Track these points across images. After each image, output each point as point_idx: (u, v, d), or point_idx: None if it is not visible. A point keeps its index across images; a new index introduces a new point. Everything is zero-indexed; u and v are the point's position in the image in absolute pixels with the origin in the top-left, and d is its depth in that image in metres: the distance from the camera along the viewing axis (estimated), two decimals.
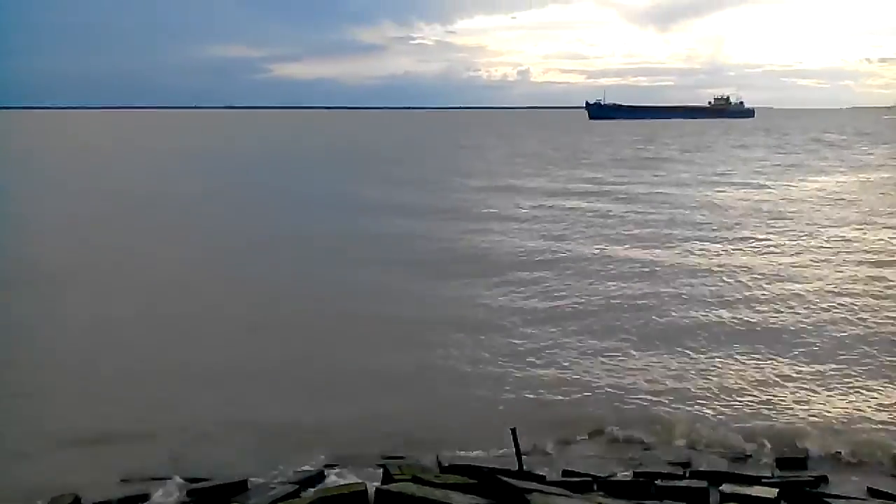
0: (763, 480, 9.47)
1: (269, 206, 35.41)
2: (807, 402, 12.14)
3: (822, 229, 27.60)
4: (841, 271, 20.76)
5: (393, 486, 8.65)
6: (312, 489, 9.33)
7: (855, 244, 24.61)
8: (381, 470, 9.52)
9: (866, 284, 19.27)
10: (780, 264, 21.85)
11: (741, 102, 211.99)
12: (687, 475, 9.75)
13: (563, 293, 18.97)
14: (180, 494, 9.48)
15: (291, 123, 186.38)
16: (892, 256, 22.64)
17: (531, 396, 12.50)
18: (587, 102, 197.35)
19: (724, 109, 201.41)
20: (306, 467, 10.09)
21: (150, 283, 20.38)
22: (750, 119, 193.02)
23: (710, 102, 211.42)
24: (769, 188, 41.60)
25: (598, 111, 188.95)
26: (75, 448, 10.66)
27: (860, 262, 21.84)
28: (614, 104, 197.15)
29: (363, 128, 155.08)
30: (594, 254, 23.68)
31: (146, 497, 9.43)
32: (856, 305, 17.43)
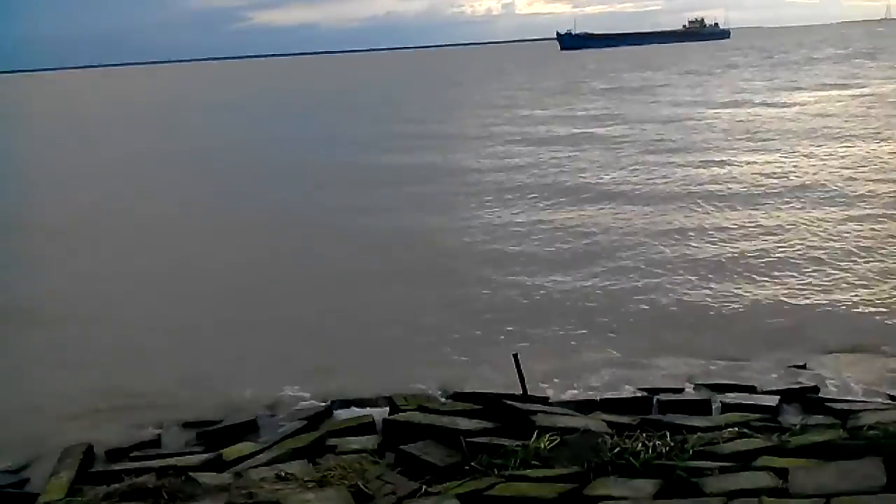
0: (763, 389, 9.66)
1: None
2: (807, 306, 12.30)
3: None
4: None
5: (400, 416, 8.80)
6: (321, 425, 9.47)
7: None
8: (388, 403, 9.71)
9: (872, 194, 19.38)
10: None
11: (716, 24, 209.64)
12: (688, 388, 9.93)
13: (567, 222, 19.02)
14: (190, 437, 9.64)
15: (273, 73, 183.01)
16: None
17: (530, 326, 12.56)
18: (557, 33, 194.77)
19: (698, 32, 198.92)
20: (313, 405, 10.22)
21: (146, 235, 20.40)
22: (727, 40, 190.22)
23: (684, 26, 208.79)
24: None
25: (570, 41, 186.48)
26: (84, 401, 10.71)
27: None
28: (585, 33, 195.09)
29: (346, 74, 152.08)
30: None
31: (157, 442, 9.57)
32: (852, 212, 17.59)
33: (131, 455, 9.12)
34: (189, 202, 24.81)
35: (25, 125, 65.13)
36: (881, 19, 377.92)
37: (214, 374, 11.39)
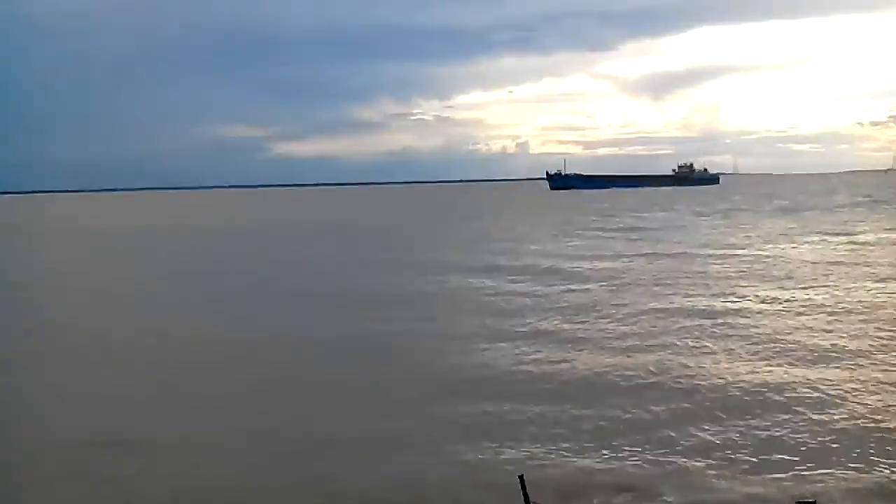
0: None
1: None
2: (815, 447, 11.96)
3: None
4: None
5: None
6: None
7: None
8: None
9: None
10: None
11: (705, 169, 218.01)
12: None
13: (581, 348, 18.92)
14: None
15: (294, 202, 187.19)
16: None
17: (540, 456, 12.26)
18: (547, 173, 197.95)
19: (687, 177, 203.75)
20: None
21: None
22: (715, 186, 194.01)
23: (674, 170, 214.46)
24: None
25: (560, 181, 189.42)
26: None
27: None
28: (575, 174, 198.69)
29: (367, 205, 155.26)
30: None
31: None
32: None
33: None
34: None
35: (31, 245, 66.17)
36: (888, 170, 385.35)
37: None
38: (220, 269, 40.58)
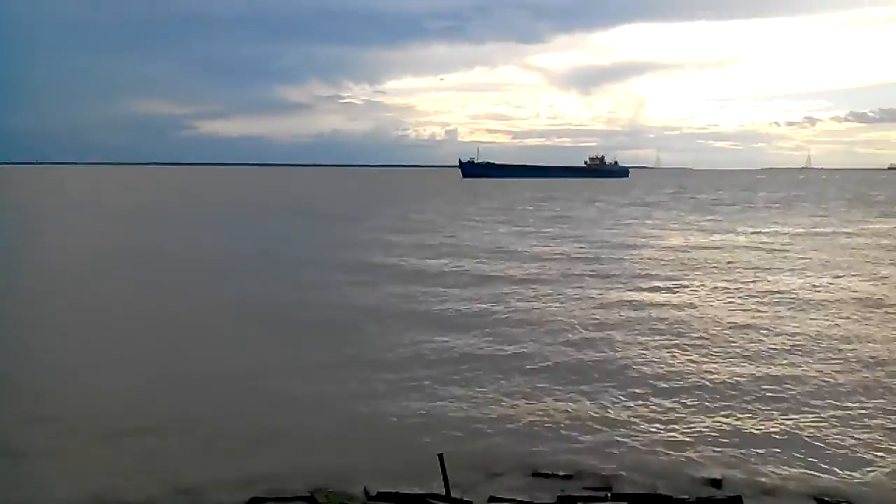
0: (680, 498, 9.87)
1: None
2: (723, 431, 12.67)
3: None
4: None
5: None
6: None
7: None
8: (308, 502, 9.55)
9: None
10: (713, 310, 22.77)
11: (615, 162, 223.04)
12: (609, 497, 10.07)
13: (486, 334, 19.34)
14: None
15: (207, 181, 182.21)
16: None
17: (455, 430, 12.63)
18: (460, 161, 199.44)
19: (598, 169, 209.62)
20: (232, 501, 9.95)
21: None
22: (624, 179, 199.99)
23: (585, 162, 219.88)
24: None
25: (471, 169, 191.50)
26: None
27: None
28: (487, 162, 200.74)
29: (280, 186, 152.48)
30: (525, 305, 24.20)
31: None
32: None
33: None
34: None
35: None
36: (802, 168, 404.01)
37: (133, 470, 11.07)
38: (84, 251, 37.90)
